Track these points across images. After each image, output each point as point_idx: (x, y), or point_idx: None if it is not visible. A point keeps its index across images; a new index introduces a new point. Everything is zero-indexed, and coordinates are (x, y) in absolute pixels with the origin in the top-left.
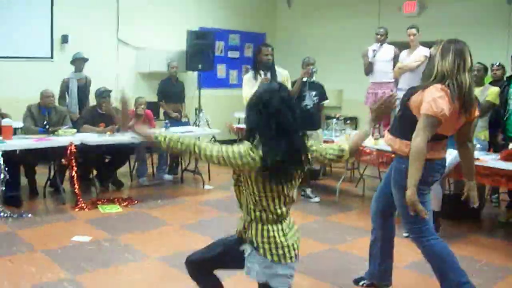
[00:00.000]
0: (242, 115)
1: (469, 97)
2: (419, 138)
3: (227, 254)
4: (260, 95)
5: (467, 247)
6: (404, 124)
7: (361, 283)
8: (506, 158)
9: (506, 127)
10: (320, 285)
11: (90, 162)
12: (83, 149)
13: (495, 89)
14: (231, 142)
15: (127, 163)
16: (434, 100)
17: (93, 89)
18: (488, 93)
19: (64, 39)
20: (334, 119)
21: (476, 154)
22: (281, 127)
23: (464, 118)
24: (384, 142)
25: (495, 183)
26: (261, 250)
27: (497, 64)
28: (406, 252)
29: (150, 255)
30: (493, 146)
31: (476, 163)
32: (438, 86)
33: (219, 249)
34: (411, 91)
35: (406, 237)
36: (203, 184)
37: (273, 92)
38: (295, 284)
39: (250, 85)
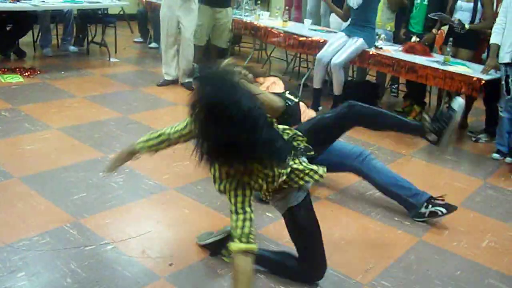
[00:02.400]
0: None
1: None
2: None
3: None
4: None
5: (363, 132)
6: None
7: None
8: (408, 50)
9: (409, 22)
10: None
11: None
12: None
13: None
14: (140, 16)
15: (30, 32)
16: None
17: None
18: None
19: None
20: None
21: (381, 43)
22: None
23: None
24: None
25: (395, 74)
26: None
27: None
28: None
29: (51, 126)
30: (396, 38)
31: (380, 52)
32: None
33: None
34: None
35: None
36: (109, 57)
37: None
38: None
39: None
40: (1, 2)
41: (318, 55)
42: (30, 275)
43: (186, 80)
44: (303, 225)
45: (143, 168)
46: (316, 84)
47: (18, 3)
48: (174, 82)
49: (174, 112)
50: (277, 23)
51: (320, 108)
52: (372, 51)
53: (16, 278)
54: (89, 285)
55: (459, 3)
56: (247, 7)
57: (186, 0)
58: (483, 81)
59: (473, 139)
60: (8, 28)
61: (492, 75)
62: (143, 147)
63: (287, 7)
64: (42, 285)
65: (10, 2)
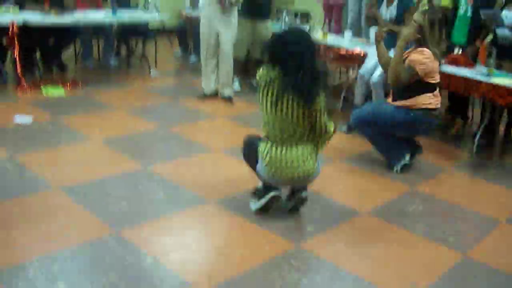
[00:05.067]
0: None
1: None
2: None
3: None
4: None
5: None
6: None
7: None
8: (450, 62)
9: (451, 34)
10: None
11: (33, 43)
12: (26, 29)
13: None
14: (179, 29)
15: (72, 45)
16: None
17: None
18: None
19: None
20: (285, 12)
21: None
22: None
23: None
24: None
25: None
26: None
27: None
28: None
29: (93, 138)
30: None
31: None
32: None
33: None
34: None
35: None
36: (149, 70)
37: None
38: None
39: None
40: (45, 15)
41: (360, 71)
42: (69, 286)
43: (226, 93)
44: None
45: (183, 180)
46: (358, 100)
47: (61, 16)
48: (214, 95)
49: (213, 125)
50: (316, 35)
51: None
52: None
53: None
54: None
55: (504, 12)
56: (286, 21)
57: (225, 14)
58: None
59: None
60: (51, 42)
61: None
62: None
63: (326, 20)
64: None
65: (54, 16)
